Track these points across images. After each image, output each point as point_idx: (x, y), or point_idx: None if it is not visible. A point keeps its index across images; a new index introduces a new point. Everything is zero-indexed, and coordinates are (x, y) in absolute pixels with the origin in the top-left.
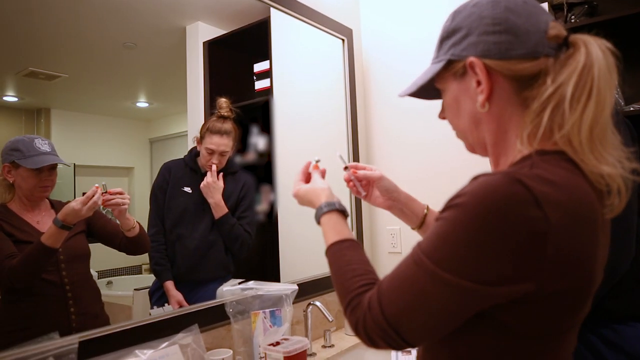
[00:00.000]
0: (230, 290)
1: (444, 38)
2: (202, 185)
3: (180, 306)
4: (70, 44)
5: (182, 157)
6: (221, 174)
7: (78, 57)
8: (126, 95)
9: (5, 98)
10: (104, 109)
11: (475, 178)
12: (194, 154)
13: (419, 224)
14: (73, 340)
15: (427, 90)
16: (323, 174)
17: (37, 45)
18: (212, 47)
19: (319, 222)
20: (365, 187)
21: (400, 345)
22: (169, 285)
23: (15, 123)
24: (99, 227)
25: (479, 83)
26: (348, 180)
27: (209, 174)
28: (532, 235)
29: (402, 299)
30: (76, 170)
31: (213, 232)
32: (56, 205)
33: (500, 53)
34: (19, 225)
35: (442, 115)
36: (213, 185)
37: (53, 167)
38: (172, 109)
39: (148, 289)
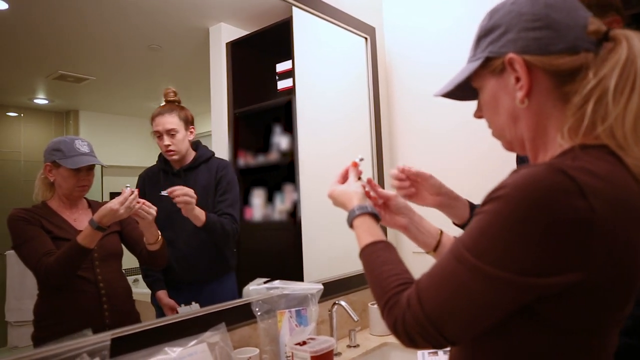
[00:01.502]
0: (256, 289)
1: (482, 36)
2: (175, 194)
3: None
4: (98, 47)
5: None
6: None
7: (105, 59)
8: (151, 96)
9: (36, 101)
10: (130, 110)
11: (516, 171)
12: (162, 156)
13: (435, 245)
14: (105, 338)
15: (462, 90)
16: (359, 175)
17: (65, 48)
18: (235, 48)
19: (351, 225)
20: (381, 207)
21: (440, 342)
22: (161, 294)
23: (45, 125)
24: (127, 231)
25: (517, 79)
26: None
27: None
28: (577, 224)
29: (442, 295)
30: (103, 170)
31: (203, 231)
32: (93, 205)
33: (540, 49)
34: (58, 223)
35: (479, 114)
36: (180, 200)
37: (91, 168)
38: (195, 110)
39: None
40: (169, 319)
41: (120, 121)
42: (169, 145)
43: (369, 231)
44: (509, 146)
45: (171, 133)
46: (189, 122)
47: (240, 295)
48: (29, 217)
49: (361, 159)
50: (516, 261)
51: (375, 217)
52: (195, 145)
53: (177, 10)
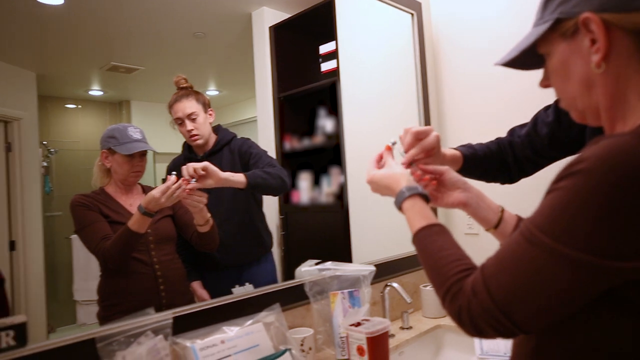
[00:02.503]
0: (308, 270)
1: None
2: (190, 178)
3: None
4: (146, 37)
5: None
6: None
7: (153, 49)
8: (197, 84)
9: (91, 92)
10: None
11: (595, 142)
12: (186, 144)
13: (497, 221)
14: (168, 316)
15: (527, 57)
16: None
17: (116, 40)
18: (278, 32)
19: (400, 208)
20: (433, 186)
21: (511, 331)
22: (196, 285)
23: (101, 115)
24: (179, 215)
25: (593, 41)
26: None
27: (183, 169)
28: None
29: (513, 280)
30: (155, 157)
31: (236, 213)
32: (147, 190)
33: (620, 5)
34: (115, 208)
35: (545, 83)
36: (199, 167)
37: (143, 154)
38: (240, 96)
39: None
40: (226, 299)
41: None
42: (192, 129)
43: (421, 214)
44: (580, 117)
45: (192, 117)
46: (206, 105)
47: (288, 276)
48: (89, 203)
49: (394, 143)
50: (600, 242)
51: (426, 199)
52: (216, 129)
53: None
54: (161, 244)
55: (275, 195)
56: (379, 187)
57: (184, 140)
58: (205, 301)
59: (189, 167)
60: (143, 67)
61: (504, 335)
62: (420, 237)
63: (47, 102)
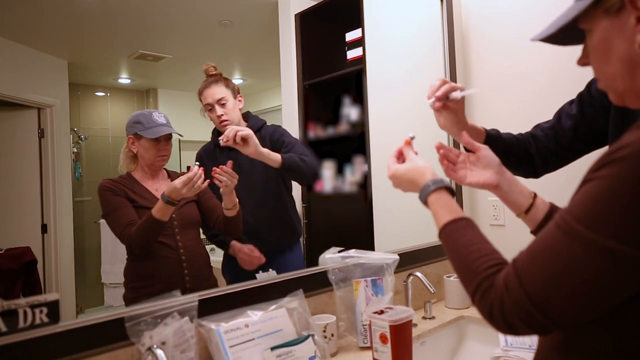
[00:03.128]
0: (331, 257)
1: None
2: (226, 142)
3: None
4: (173, 25)
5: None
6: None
7: (180, 38)
8: (223, 72)
9: (120, 80)
10: None
11: (638, 126)
12: (216, 131)
13: (528, 207)
14: (194, 299)
15: (566, 32)
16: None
17: (144, 29)
18: (304, 19)
19: (425, 202)
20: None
21: (546, 327)
22: (235, 243)
23: (129, 103)
24: (203, 200)
25: (639, 20)
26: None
27: (226, 133)
28: None
29: (548, 274)
30: (181, 145)
31: (270, 198)
32: (172, 176)
33: None
34: (141, 192)
35: (584, 61)
36: (241, 134)
37: (168, 138)
38: (265, 84)
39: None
40: (250, 284)
41: (196, 98)
42: (222, 115)
43: (448, 207)
44: (619, 99)
45: (222, 102)
46: (236, 91)
47: (309, 264)
48: (116, 188)
49: (412, 137)
50: None
51: (452, 192)
52: (246, 115)
53: None
54: (186, 228)
55: (304, 184)
56: (401, 182)
57: (211, 128)
58: (231, 286)
59: (231, 131)
60: (170, 56)
61: (538, 331)
62: (448, 231)
63: (77, 89)
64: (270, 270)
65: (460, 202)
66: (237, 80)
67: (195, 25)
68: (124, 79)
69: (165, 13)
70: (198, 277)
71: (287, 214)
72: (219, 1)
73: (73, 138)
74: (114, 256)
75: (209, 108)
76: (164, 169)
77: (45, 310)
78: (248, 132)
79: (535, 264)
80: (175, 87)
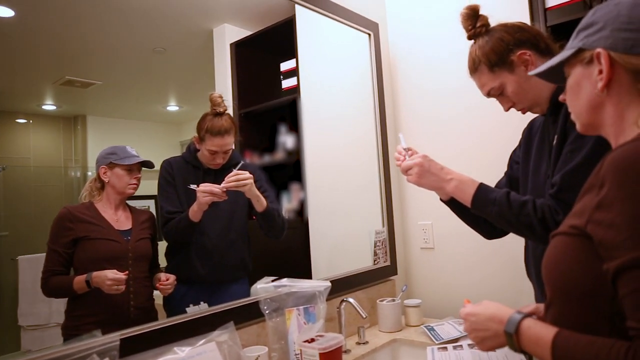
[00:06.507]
0: (264, 287)
1: (582, 29)
2: (228, 184)
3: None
4: (103, 51)
5: (180, 155)
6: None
7: (111, 64)
8: (157, 99)
9: (44, 107)
10: (136, 114)
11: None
12: (192, 150)
13: None
14: (114, 338)
15: (555, 73)
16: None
17: (72, 54)
18: (239, 48)
19: (517, 331)
20: None
21: None
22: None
23: (54, 130)
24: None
25: (600, 71)
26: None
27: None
28: None
29: None
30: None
31: (232, 231)
32: (134, 211)
33: (626, 48)
34: (99, 222)
35: (564, 97)
36: (243, 180)
37: (139, 168)
38: (202, 111)
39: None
40: (177, 318)
41: (128, 125)
42: (220, 162)
43: (542, 325)
44: (583, 129)
45: (226, 152)
46: (237, 136)
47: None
48: (67, 224)
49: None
50: None
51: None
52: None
53: (180, 12)
54: (138, 261)
55: (270, 235)
56: (478, 321)
57: (146, 154)
58: (155, 322)
59: (237, 175)
60: (100, 82)
61: None
62: (559, 344)
63: None
64: (202, 303)
65: (392, 226)
66: (172, 107)
67: (127, 52)
68: (49, 105)
69: (93, 38)
70: (142, 309)
71: (243, 249)
72: (151, 28)
73: None
74: (34, 295)
75: (212, 152)
76: (126, 203)
77: None
78: (249, 180)
79: None
80: (106, 114)
